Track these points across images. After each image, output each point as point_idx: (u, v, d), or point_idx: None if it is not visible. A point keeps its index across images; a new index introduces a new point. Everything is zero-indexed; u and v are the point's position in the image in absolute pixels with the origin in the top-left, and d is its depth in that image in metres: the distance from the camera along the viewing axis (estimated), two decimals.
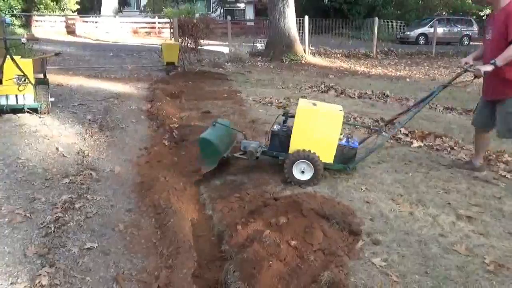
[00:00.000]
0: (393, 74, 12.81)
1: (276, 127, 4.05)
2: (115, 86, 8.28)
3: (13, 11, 20.31)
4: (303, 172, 3.72)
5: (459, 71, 4.17)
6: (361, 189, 3.70)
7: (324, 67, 13.77)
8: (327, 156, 3.79)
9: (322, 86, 9.53)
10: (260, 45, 16.43)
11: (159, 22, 24.50)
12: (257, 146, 3.98)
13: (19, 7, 21.10)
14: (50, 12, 22.89)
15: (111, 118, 5.95)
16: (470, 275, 2.51)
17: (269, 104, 7.34)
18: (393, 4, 31.39)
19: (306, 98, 7.91)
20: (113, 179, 4.08)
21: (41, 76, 5.77)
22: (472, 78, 3.93)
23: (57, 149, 4.46)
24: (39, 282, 2.41)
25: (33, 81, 5.35)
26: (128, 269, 2.74)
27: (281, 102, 7.48)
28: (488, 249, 2.80)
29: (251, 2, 38.17)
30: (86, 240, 2.95)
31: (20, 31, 18.54)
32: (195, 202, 3.74)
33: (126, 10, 34.64)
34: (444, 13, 30.16)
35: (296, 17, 14.63)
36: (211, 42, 14.53)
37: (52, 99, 5.80)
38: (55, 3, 23.19)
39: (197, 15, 19.41)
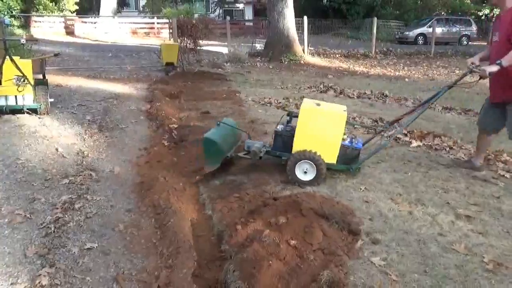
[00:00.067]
0: (392, 74, 12.82)
1: (279, 127, 4.05)
2: (114, 87, 8.29)
3: (12, 12, 20.30)
4: (305, 172, 3.73)
5: (464, 71, 4.15)
6: (360, 188, 3.71)
7: (323, 67, 13.78)
8: (330, 156, 3.79)
9: (321, 86, 9.54)
10: (259, 46, 16.44)
11: (158, 23, 24.53)
12: (261, 146, 3.99)
13: (18, 7, 21.09)
14: (49, 12, 22.89)
15: (110, 119, 5.95)
16: (469, 274, 2.52)
17: (268, 105, 7.35)
18: (392, 4, 31.43)
19: (305, 98, 7.93)
20: (113, 179, 4.08)
21: (41, 76, 5.78)
22: (478, 79, 3.88)
23: (56, 149, 4.46)
24: (39, 282, 2.42)
25: (32, 82, 5.35)
26: (128, 269, 2.74)
27: (280, 102, 7.49)
28: (487, 248, 2.81)
29: (250, 2, 38.18)
30: (86, 240, 2.96)
31: (19, 31, 18.53)
32: (195, 202, 3.74)
33: (125, 10, 34.63)
34: (443, 13, 30.19)
35: (295, 17, 14.64)
36: (210, 42, 14.54)
37: (52, 100, 5.80)
38: (54, 3, 23.19)
39: (196, 15, 19.45)
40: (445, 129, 5.87)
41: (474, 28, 24.93)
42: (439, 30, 22.56)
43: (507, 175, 4.13)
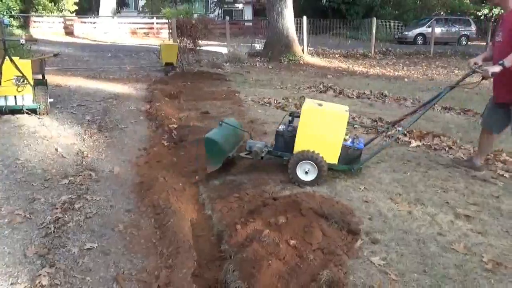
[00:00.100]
0: (391, 74, 12.83)
1: (281, 127, 4.05)
2: (113, 87, 8.29)
3: (11, 12, 20.29)
4: (306, 172, 3.73)
5: (466, 72, 4.12)
6: (360, 188, 3.72)
7: (322, 67, 13.79)
8: (332, 156, 3.79)
9: (321, 86, 9.54)
10: (258, 46, 16.44)
11: (157, 23, 24.54)
12: (263, 146, 3.99)
13: (17, 8, 21.07)
14: (48, 13, 22.89)
15: (110, 119, 5.96)
16: (468, 274, 2.52)
17: (267, 105, 7.35)
18: (391, 4, 31.44)
19: (304, 98, 7.93)
20: (113, 179, 4.09)
21: (40, 77, 5.79)
22: (480, 80, 3.86)
23: (56, 149, 4.47)
24: (39, 283, 2.42)
25: (32, 82, 5.35)
26: (128, 269, 2.75)
27: (279, 103, 7.49)
28: (486, 248, 2.81)
29: (249, 2, 38.20)
30: (86, 240, 2.96)
31: (18, 32, 18.53)
32: (195, 202, 3.75)
33: (124, 10, 34.65)
34: (442, 13, 30.20)
35: (294, 17, 14.64)
36: (209, 42, 14.55)
37: (51, 100, 5.80)
38: (53, 4, 23.18)
39: (195, 15, 19.46)
40: (444, 129, 5.88)
41: (473, 28, 24.96)
42: (438, 30, 22.57)
43: (506, 174, 4.14)
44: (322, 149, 3.71)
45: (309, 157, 3.68)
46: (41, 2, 22.43)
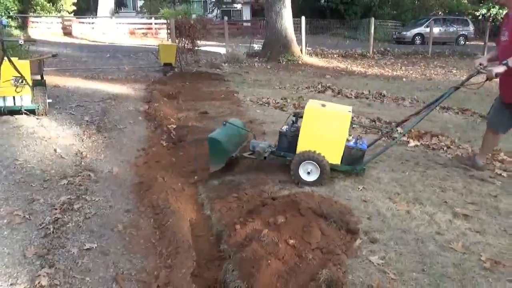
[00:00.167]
0: (389, 74, 12.86)
1: (284, 127, 4.05)
2: (112, 87, 8.29)
3: (9, 13, 20.25)
4: (309, 173, 3.73)
5: (471, 72, 4.10)
6: (358, 188, 3.72)
7: (321, 67, 13.81)
8: (334, 157, 3.78)
9: (319, 86, 9.56)
10: (257, 46, 16.46)
11: (155, 23, 24.54)
12: (266, 146, 3.99)
13: (15, 8, 21.04)
14: (46, 13, 22.86)
15: (108, 119, 5.96)
16: (466, 272, 2.53)
17: (266, 105, 7.36)
18: (389, 4, 31.47)
19: (303, 98, 7.95)
20: (112, 180, 4.09)
21: (39, 77, 5.78)
22: (484, 80, 3.85)
23: (55, 150, 4.47)
24: (39, 283, 2.42)
25: (30, 83, 5.35)
26: (127, 269, 2.75)
27: (278, 103, 7.50)
28: (484, 247, 2.82)
29: (247, 2, 38.21)
30: (85, 240, 2.96)
31: (16, 32, 18.50)
32: (194, 202, 3.75)
33: (122, 11, 34.63)
34: (440, 13, 30.24)
35: (293, 17, 14.66)
36: (208, 42, 14.55)
37: (50, 101, 5.80)
38: (51, 4, 23.15)
39: (193, 15, 19.45)
40: (443, 129, 5.89)
41: (471, 28, 25.02)
42: (436, 30, 22.65)
43: (504, 174, 4.15)
44: (325, 149, 3.71)
45: (312, 157, 3.68)
46: (39, 3, 22.40)
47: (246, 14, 38.47)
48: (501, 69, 3.57)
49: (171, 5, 29.67)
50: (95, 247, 2.90)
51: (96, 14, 24.67)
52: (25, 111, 5.38)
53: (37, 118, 5.40)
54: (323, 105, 3.83)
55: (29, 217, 3.12)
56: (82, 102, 6.73)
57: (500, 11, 27.46)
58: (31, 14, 22.23)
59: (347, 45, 19.91)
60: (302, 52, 14.97)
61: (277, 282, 2.41)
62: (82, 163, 4.31)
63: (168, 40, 14.17)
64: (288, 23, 14.33)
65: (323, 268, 2.46)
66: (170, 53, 10.61)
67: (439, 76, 12.41)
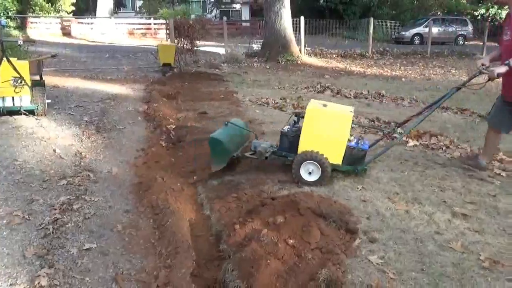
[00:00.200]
0: (388, 74, 12.87)
1: (286, 127, 4.05)
2: (111, 88, 8.29)
3: (8, 13, 20.24)
4: (310, 173, 3.72)
5: (474, 73, 4.08)
6: (358, 188, 3.73)
7: (320, 67, 13.82)
8: (336, 157, 3.77)
9: (318, 86, 9.57)
10: (256, 46, 16.47)
11: (154, 23, 24.54)
12: (268, 147, 3.99)
13: (14, 8, 21.02)
14: (45, 13, 22.84)
15: (108, 120, 5.96)
16: (465, 272, 2.53)
17: (265, 105, 7.37)
18: (388, 4, 31.51)
19: (302, 98, 7.96)
20: (111, 180, 4.09)
21: (38, 78, 5.78)
22: (486, 80, 3.84)
23: (54, 150, 4.47)
24: (38, 283, 2.42)
25: (29, 83, 5.35)
26: (127, 269, 2.75)
27: (277, 103, 7.51)
28: (483, 246, 2.83)
29: (246, 2, 38.21)
30: (85, 241, 2.96)
31: (15, 33, 18.48)
32: (193, 203, 3.76)
33: (121, 11, 34.63)
34: (439, 13, 30.27)
35: (292, 17, 14.67)
36: (207, 43, 14.55)
37: (49, 101, 5.80)
38: (50, 4, 23.13)
39: (192, 16, 19.46)
40: (442, 129, 5.90)
41: (470, 28, 25.04)
42: (435, 30, 22.66)
43: (503, 173, 4.15)
44: (326, 149, 3.71)
45: (313, 157, 3.68)
46: (38, 3, 22.39)
47: (245, 14, 38.48)
48: (502, 69, 3.58)
49: (170, 5, 29.70)
50: (95, 247, 2.90)
51: (95, 15, 24.68)
52: (24, 112, 5.38)
53: (36, 119, 5.40)
54: (325, 105, 3.83)
55: (29, 217, 3.12)
56: (81, 102, 6.74)
57: (499, 11, 27.50)
58: (30, 14, 22.22)
59: (346, 45, 19.93)
60: (301, 52, 14.98)
61: (276, 282, 2.42)
62: (82, 163, 4.31)
63: (167, 40, 14.18)
64: (287, 23, 14.34)
65: (322, 267, 2.46)
66: (169, 53, 10.61)
67: (438, 76, 12.43)
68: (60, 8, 23.94)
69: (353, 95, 8.66)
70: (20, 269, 2.54)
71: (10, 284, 2.42)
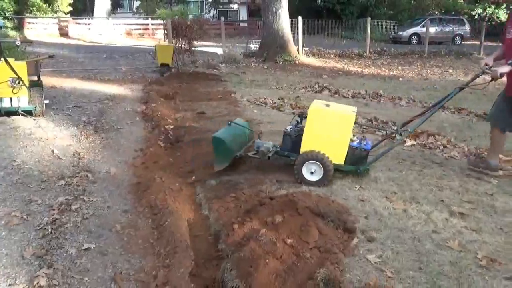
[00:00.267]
0: (386, 73, 12.89)
1: (289, 127, 4.06)
2: (109, 88, 8.28)
3: (5, 14, 20.20)
4: (312, 173, 3.73)
5: (476, 73, 4.09)
6: (356, 187, 3.74)
7: (317, 67, 13.83)
8: (338, 157, 3.78)
9: (316, 86, 9.58)
10: (253, 46, 16.48)
11: (152, 24, 24.51)
12: (270, 146, 3.99)
13: (11, 9, 20.98)
14: (42, 14, 22.80)
15: (106, 120, 5.95)
16: (463, 270, 2.55)
17: (263, 105, 7.37)
18: (386, 4, 31.57)
19: (300, 98, 7.97)
20: (109, 180, 4.09)
21: (35, 78, 5.77)
22: (490, 80, 3.84)
23: (52, 151, 4.46)
24: (37, 283, 2.42)
25: (27, 84, 5.34)
26: (126, 269, 2.76)
27: (275, 103, 7.52)
28: (480, 245, 2.85)
29: (244, 3, 38.22)
30: (84, 241, 2.96)
31: (12, 33, 18.45)
32: (191, 202, 3.76)
33: (119, 11, 34.55)
34: (436, 13, 30.34)
35: (289, 17, 14.68)
36: (204, 43, 14.56)
37: (47, 102, 5.80)
38: (47, 5, 23.09)
39: (190, 16, 19.46)
40: (439, 128, 5.93)
41: (467, 27, 25.11)
42: (432, 29, 22.70)
43: (500, 172, 4.17)
44: (329, 149, 3.71)
45: (315, 157, 3.68)
46: (35, 3, 22.36)
47: (243, 15, 38.47)
48: (506, 69, 3.59)
49: (168, 5, 29.68)
50: (93, 247, 2.91)
51: (93, 15, 24.63)
52: (22, 112, 5.37)
53: (34, 119, 5.40)
54: (327, 105, 3.83)
55: (27, 218, 3.12)
56: (79, 103, 6.73)
57: (496, 10, 27.62)
58: (27, 15, 22.18)
59: (343, 45, 19.95)
60: (299, 52, 15.00)
61: (275, 281, 2.43)
62: (80, 163, 4.31)
63: (165, 40, 14.16)
64: (285, 23, 14.35)
65: (320, 267, 2.47)
66: (167, 53, 10.61)
67: (436, 75, 12.46)
68: (57, 9, 23.92)
69: (351, 95, 8.68)
70: (19, 269, 2.55)
71: (9, 285, 2.42)
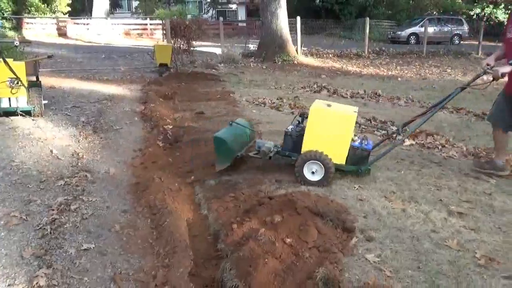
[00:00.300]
0: (384, 73, 12.91)
1: (290, 127, 4.06)
2: (108, 88, 8.28)
3: (3, 14, 20.17)
4: (313, 173, 3.73)
5: (478, 73, 4.09)
6: (354, 187, 3.75)
7: (316, 67, 13.84)
8: (339, 157, 3.78)
9: (315, 86, 9.59)
10: (252, 46, 16.49)
11: (151, 24, 24.52)
12: (272, 146, 3.99)
13: (10, 9, 20.95)
14: (40, 14, 22.77)
15: (104, 120, 5.95)
16: (461, 269, 2.56)
17: (262, 105, 7.38)
18: (384, 4, 31.59)
19: (298, 98, 7.98)
20: (108, 180, 4.09)
21: (34, 78, 5.76)
22: (491, 80, 3.84)
23: (51, 151, 4.46)
24: (36, 283, 2.42)
25: (26, 84, 5.34)
26: (125, 269, 2.76)
27: (274, 103, 7.52)
28: (479, 244, 2.86)
29: (243, 3, 38.22)
30: (83, 241, 2.96)
31: (11, 33, 18.42)
32: (190, 202, 3.76)
33: (117, 11, 34.54)
34: (434, 12, 30.40)
35: (288, 17, 14.69)
36: (203, 43, 14.55)
37: (45, 102, 5.79)
38: (45, 5, 23.07)
39: (189, 16, 19.45)
40: (438, 128, 5.94)
41: (465, 27, 25.15)
42: (431, 29, 22.73)
43: (507, 171, 4.17)
44: (330, 149, 3.71)
45: (316, 157, 3.68)
46: (34, 4, 22.32)
47: (241, 15, 38.49)
48: (507, 69, 3.61)
49: (166, 5, 29.67)
50: (93, 247, 2.91)
51: (91, 15, 24.62)
52: (20, 113, 5.37)
53: (33, 119, 5.39)
54: (329, 105, 3.84)
55: (26, 218, 3.12)
56: (78, 103, 6.73)
57: (494, 10, 27.67)
58: (26, 15, 22.14)
59: (342, 45, 19.96)
60: (297, 52, 15.00)
61: (274, 281, 2.43)
62: (79, 164, 4.31)
63: (163, 40, 14.15)
64: (283, 23, 14.36)
65: (319, 266, 2.48)
66: (165, 53, 10.61)
67: (434, 75, 12.48)
68: (55, 9, 23.89)
69: (349, 94, 8.69)
70: (18, 270, 2.54)
71: (9, 285, 2.42)
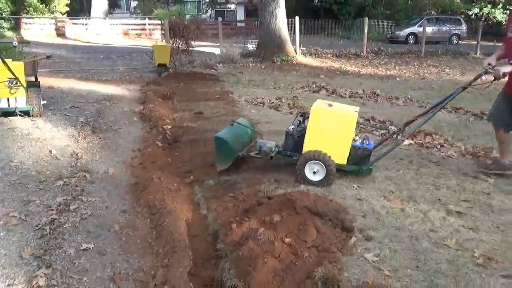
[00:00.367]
0: (383, 73, 12.92)
1: (291, 127, 4.06)
2: (106, 88, 8.28)
3: (2, 14, 20.14)
4: (315, 172, 3.73)
5: (479, 72, 4.08)
6: (353, 186, 3.75)
7: (315, 67, 13.85)
8: (341, 157, 3.78)
9: (314, 86, 9.60)
10: (251, 46, 16.49)
11: (149, 24, 24.52)
12: (273, 146, 3.99)
13: (8, 9, 20.92)
14: (39, 14, 22.75)
15: (103, 120, 5.95)
16: (460, 269, 2.56)
17: (261, 105, 7.39)
18: (383, 4, 31.62)
19: (297, 98, 7.99)
20: (107, 180, 4.09)
21: (33, 79, 5.76)
22: (492, 80, 3.85)
23: (50, 151, 4.46)
24: (36, 283, 2.42)
25: (24, 84, 5.34)
26: (124, 269, 2.76)
27: (273, 103, 7.53)
28: (477, 243, 2.86)
29: (241, 3, 38.22)
30: (82, 241, 2.96)
31: (9, 34, 18.40)
32: (190, 202, 3.77)
33: (116, 12, 34.51)
34: (433, 12, 30.43)
35: (287, 17, 14.69)
36: (202, 43, 14.54)
37: (44, 102, 5.78)
38: (44, 5, 23.04)
39: (187, 16, 19.45)
40: (436, 127, 5.95)
41: (464, 27, 25.19)
42: (429, 29, 22.77)
43: (497, 171, 4.19)
44: (331, 149, 3.71)
45: (317, 157, 3.68)
46: (32, 4, 22.30)
47: (240, 15, 38.47)
48: (508, 68, 3.61)
49: (165, 5, 29.66)
50: (92, 247, 2.91)
51: (89, 15, 24.58)
52: (19, 113, 5.36)
53: (32, 120, 5.39)
54: (330, 105, 3.84)
55: (25, 218, 3.12)
56: (76, 103, 6.72)
57: (492, 10, 27.70)
58: (24, 15, 22.11)
59: (341, 45, 19.98)
60: (296, 52, 15.01)
61: (273, 280, 2.44)
62: (78, 164, 4.31)
63: (162, 40, 14.15)
64: (282, 23, 14.36)
65: (319, 265, 2.48)
66: (164, 53, 10.61)
67: (432, 75, 12.49)
68: (54, 9, 23.87)
69: (348, 94, 8.69)
70: (18, 270, 2.55)
71: (8, 285, 2.42)
